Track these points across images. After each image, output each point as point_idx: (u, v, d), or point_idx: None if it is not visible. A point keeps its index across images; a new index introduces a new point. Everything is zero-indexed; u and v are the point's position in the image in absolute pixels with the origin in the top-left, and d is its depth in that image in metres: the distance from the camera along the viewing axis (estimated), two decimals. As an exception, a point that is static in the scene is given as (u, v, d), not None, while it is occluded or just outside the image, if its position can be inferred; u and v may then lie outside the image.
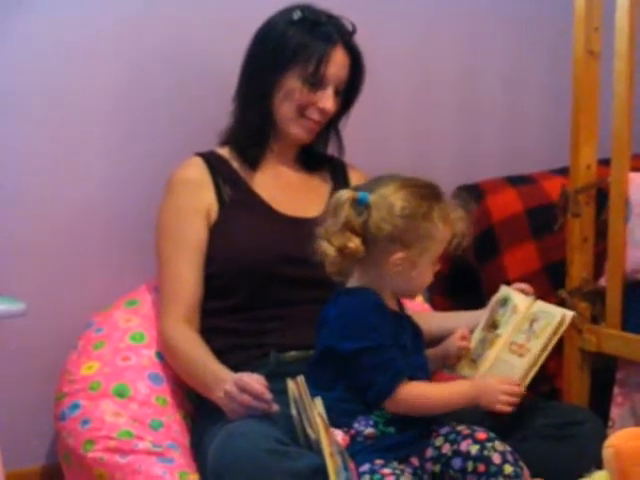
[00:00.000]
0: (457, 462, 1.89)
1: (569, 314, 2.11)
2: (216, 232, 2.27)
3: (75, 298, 2.50)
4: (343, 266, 1.96)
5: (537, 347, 2.05)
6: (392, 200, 1.93)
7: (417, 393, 1.92)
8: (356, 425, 1.92)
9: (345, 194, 1.95)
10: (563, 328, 2.09)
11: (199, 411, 2.23)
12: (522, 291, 2.17)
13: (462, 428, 1.94)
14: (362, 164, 2.46)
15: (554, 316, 2.08)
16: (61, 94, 2.45)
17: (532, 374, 2.05)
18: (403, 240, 1.92)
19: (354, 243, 1.92)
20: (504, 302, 2.15)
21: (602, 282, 2.53)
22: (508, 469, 1.86)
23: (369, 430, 1.91)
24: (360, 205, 1.93)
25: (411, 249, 1.93)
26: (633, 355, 2.43)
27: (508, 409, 1.98)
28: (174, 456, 2.11)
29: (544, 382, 2.56)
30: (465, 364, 2.12)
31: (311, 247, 1.96)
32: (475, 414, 2.06)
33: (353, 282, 2.00)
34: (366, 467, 1.87)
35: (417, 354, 2.00)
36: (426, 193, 1.95)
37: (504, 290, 2.18)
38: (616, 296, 2.46)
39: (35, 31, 2.40)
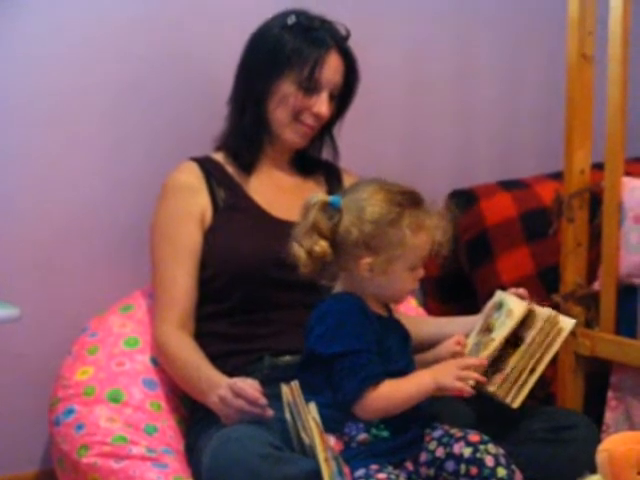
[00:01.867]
0: (450, 465, 1.90)
1: (570, 321, 2.10)
2: (210, 236, 2.27)
3: (69, 303, 2.49)
4: (315, 268, 1.96)
5: (502, 334, 2.05)
6: (363, 205, 1.93)
7: (381, 396, 1.90)
8: (347, 430, 1.92)
9: (316, 197, 1.96)
10: (564, 335, 2.08)
11: (193, 416, 2.23)
12: (518, 295, 2.16)
13: (455, 431, 1.94)
14: (356, 169, 2.46)
15: (540, 314, 2.08)
16: (57, 98, 2.45)
17: (530, 383, 2.05)
18: (370, 245, 1.92)
19: (320, 246, 1.92)
20: (499, 307, 2.15)
21: (596, 286, 2.54)
22: (501, 472, 1.86)
23: (362, 436, 1.91)
24: (332, 209, 1.94)
25: (379, 255, 1.92)
26: (627, 359, 2.43)
27: (467, 388, 1.93)
28: (168, 461, 2.10)
29: (540, 388, 2.56)
30: None
31: (286, 249, 1.97)
32: (469, 417, 2.07)
33: (338, 287, 2.01)
34: (361, 472, 1.87)
35: (402, 358, 1.99)
36: (400, 199, 1.93)
37: (499, 295, 2.18)
38: (610, 300, 2.46)
39: (32, 34, 2.41)
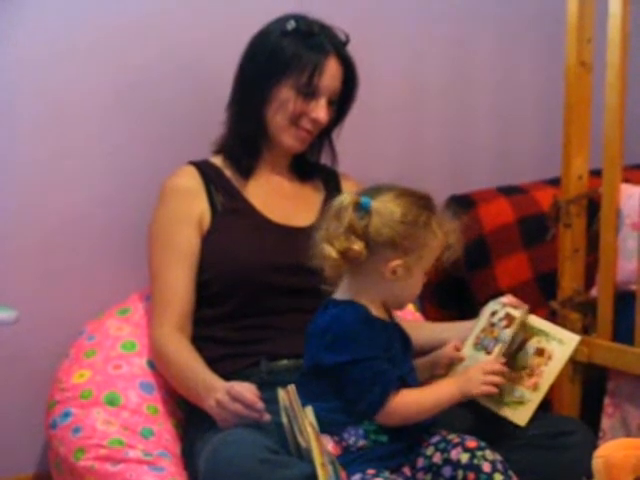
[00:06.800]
0: (447, 470, 1.89)
1: (574, 338, 2.11)
2: (208, 240, 2.27)
3: (67, 306, 2.49)
4: (343, 270, 1.96)
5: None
6: (392, 207, 1.93)
7: (408, 401, 1.92)
8: (346, 436, 1.91)
9: (348, 197, 1.94)
10: (569, 351, 2.10)
11: (190, 420, 2.23)
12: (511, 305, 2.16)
13: (452, 437, 1.94)
14: (354, 173, 2.46)
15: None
16: (53, 102, 2.45)
17: (537, 400, 2.07)
18: (402, 246, 1.92)
19: (358, 246, 1.91)
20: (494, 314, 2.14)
21: (593, 293, 2.54)
22: (498, 478, 1.86)
23: (361, 442, 1.91)
24: (362, 210, 1.93)
25: (409, 256, 1.93)
26: (624, 366, 2.43)
27: (494, 389, 1.98)
28: (165, 465, 2.10)
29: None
30: (455, 374, 2.11)
31: (310, 252, 1.95)
32: (467, 422, 2.07)
33: (341, 292, 2.00)
34: (358, 477, 1.86)
35: (405, 363, 2.00)
36: (425, 204, 1.96)
37: (494, 303, 2.16)
38: (607, 307, 2.46)
39: (27, 38, 2.41)
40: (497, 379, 1.99)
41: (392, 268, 1.93)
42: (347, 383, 1.91)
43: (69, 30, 2.45)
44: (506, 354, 2.06)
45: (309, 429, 1.80)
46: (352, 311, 1.95)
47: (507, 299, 2.14)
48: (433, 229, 1.94)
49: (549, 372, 2.08)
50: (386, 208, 1.93)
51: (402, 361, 1.98)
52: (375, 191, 1.97)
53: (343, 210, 1.93)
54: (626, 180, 2.50)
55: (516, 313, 2.09)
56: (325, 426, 1.87)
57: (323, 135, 2.40)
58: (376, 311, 1.98)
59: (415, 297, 2.05)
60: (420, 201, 1.95)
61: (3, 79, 2.40)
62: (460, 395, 1.96)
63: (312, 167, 2.44)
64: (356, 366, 1.89)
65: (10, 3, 2.38)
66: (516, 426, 2.06)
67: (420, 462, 1.94)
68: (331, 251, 1.92)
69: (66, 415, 2.19)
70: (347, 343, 1.91)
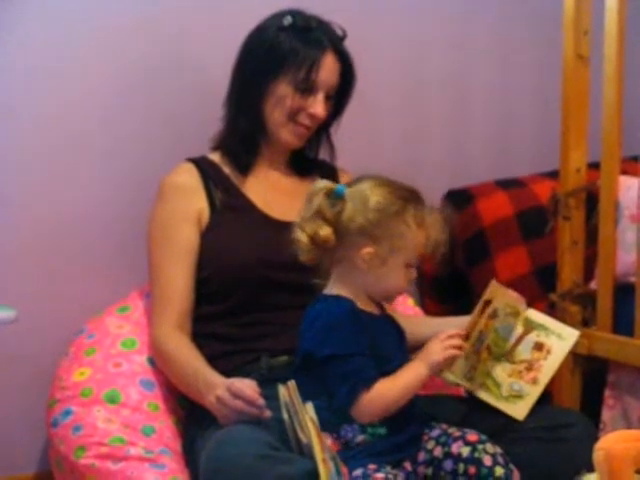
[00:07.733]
0: (448, 464, 1.90)
1: (574, 332, 2.13)
2: (207, 237, 2.27)
3: (66, 304, 2.50)
4: (315, 255, 1.97)
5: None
6: (368, 194, 1.94)
7: (383, 392, 1.90)
8: (343, 433, 1.91)
9: (321, 183, 1.97)
10: (568, 346, 2.13)
11: (191, 417, 2.23)
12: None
13: (453, 430, 1.94)
14: (352, 168, 2.45)
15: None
16: (55, 101, 2.45)
17: (535, 394, 2.09)
18: (373, 234, 1.93)
19: (324, 231, 1.93)
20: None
21: (593, 285, 2.54)
22: (499, 471, 1.86)
23: (359, 437, 1.91)
24: (336, 197, 1.94)
25: (381, 245, 1.93)
26: (624, 358, 2.43)
27: (456, 352, 1.98)
28: (166, 462, 2.10)
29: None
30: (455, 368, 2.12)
31: (284, 250, 1.97)
32: (467, 415, 2.07)
33: (330, 287, 2.01)
34: (359, 472, 1.87)
35: (397, 356, 1.99)
36: (403, 194, 1.96)
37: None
38: (607, 299, 2.46)
39: (30, 39, 2.41)
40: (456, 341, 1.98)
41: (362, 255, 1.94)
42: (327, 378, 1.92)
43: (69, 30, 2.46)
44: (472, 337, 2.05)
45: (310, 425, 1.80)
46: (336, 305, 1.96)
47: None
48: (405, 219, 1.94)
49: (548, 367, 2.08)
50: (361, 195, 1.94)
51: (394, 354, 1.99)
52: (357, 180, 1.99)
53: (314, 195, 1.95)
54: (624, 172, 2.50)
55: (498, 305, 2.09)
56: (322, 424, 1.86)
57: (321, 130, 2.40)
58: (363, 304, 1.98)
59: (401, 290, 2.03)
60: (399, 192, 1.96)
61: (3, 79, 2.40)
62: (426, 369, 1.95)
63: (310, 163, 2.44)
64: (333, 362, 1.90)
65: (10, 3, 2.38)
66: (514, 420, 2.06)
67: (421, 456, 1.95)
68: (301, 235, 1.95)
69: (67, 413, 2.19)
70: (328, 337, 1.92)
